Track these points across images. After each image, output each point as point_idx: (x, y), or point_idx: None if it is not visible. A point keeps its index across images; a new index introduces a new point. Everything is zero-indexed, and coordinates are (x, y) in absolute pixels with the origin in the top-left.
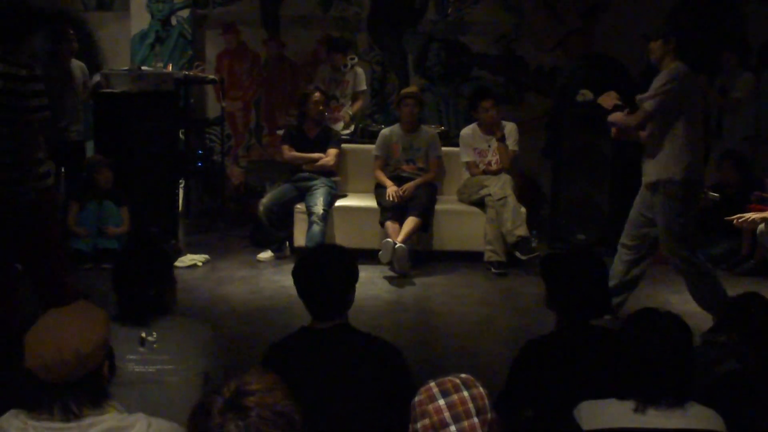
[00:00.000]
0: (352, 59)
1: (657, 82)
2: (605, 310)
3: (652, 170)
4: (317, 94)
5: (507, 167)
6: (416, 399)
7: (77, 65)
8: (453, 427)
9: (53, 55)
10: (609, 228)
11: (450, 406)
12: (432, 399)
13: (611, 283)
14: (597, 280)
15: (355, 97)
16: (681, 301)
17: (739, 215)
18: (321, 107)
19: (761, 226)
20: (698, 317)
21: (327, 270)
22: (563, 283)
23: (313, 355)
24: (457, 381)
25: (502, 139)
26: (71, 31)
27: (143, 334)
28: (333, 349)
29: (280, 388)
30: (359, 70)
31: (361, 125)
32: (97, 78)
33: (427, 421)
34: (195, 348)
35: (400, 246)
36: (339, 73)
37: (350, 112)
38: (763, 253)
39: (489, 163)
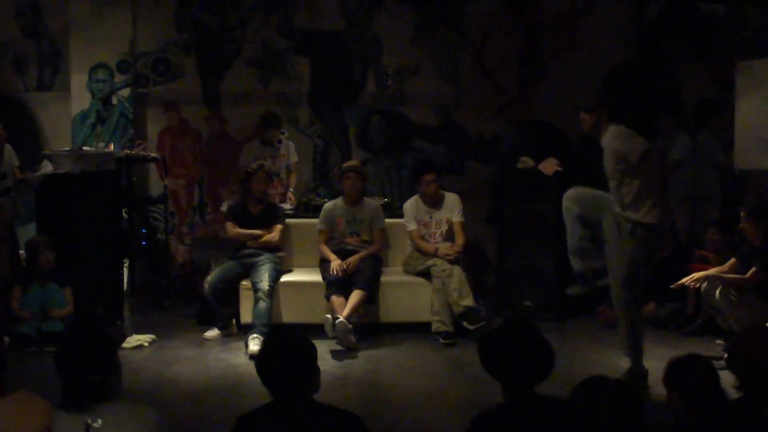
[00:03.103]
0: (283, 133)
1: (608, 144)
2: (547, 374)
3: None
4: (261, 173)
5: (463, 241)
6: None
7: (5, 149)
8: None
9: None
10: (555, 293)
11: None
12: None
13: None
14: (531, 348)
15: (289, 170)
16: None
17: (683, 279)
18: (264, 185)
19: (704, 285)
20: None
21: (288, 354)
22: (499, 358)
23: (280, 427)
24: None
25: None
26: None
27: (89, 421)
28: (299, 421)
29: None
30: (289, 142)
31: (304, 200)
32: (48, 168)
33: None
34: None
35: (340, 321)
36: (274, 149)
37: (291, 189)
38: (708, 312)
39: (433, 236)
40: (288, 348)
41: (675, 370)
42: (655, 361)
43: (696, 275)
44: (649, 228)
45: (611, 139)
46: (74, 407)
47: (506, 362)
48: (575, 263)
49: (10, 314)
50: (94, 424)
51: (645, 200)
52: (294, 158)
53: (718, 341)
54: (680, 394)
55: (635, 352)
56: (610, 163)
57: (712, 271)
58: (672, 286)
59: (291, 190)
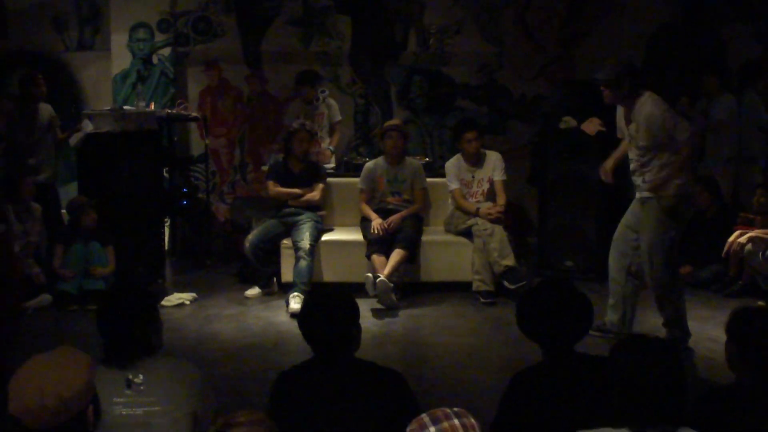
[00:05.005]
0: (323, 92)
1: (648, 114)
2: (584, 333)
3: (647, 187)
4: (302, 133)
5: (505, 200)
6: (408, 429)
7: (44, 108)
8: None
9: (22, 99)
10: (596, 254)
11: None
12: (423, 427)
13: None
14: (568, 306)
15: (332, 129)
16: None
17: (727, 247)
18: (306, 144)
19: (748, 246)
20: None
21: (332, 310)
22: (537, 318)
23: (322, 383)
24: (448, 410)
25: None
26: (39, 76)
27: (130, 376)
28: (341, 377)
29: (264, 425)
30: (332, 101)
31: (345, 158)
32: (88, 127)
33: None
34: (183, 388)
35: (381, 280)
36: (312, 107)
37: (331, 148)
38: (751, 274)
39: (474, 194)
40: (332, 304)
41: (739, 319)
42: (696, 322)
43: (737, 239)
44: (678, 199)
45: (653, 110)
46: (116, 363)
47: (544, 322)
48: None
49: (52, 273)
50: (135, 380)
51: (671, 171)
52: (337, 117)
53: (760, 303)
54: (737, 345)
55: (682, 321)
56: (645, 134)
57: (757, 232)
58: (724, 255)
59: (331, 148)
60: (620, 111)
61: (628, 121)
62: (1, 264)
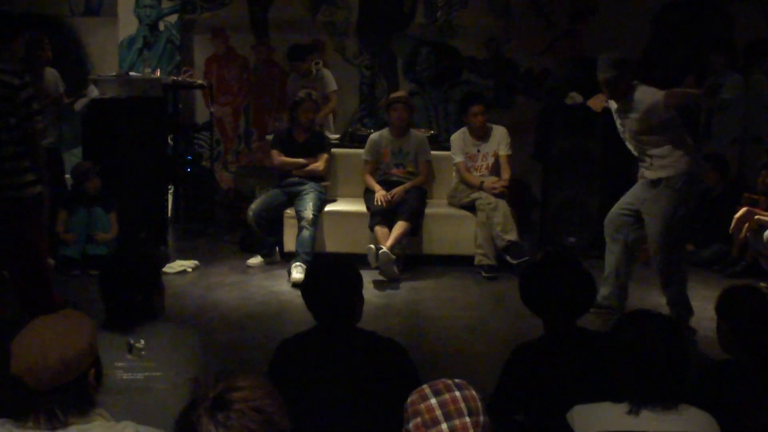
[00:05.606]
0: (317, 63)
1: (641, 102)
2: (587, 309)
3: (659, 169)
4: (308, 102)
5: (509, 175)
6: (408, 400)
7: (50, 72)
8: (444, 425)
9: (27, 63)
10: (600, 230)
11: (441, 405)
12: (424, 398)
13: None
14: (571, 280)
15: (327, 99)
16: None
17: (734, 224)
18: (311, 114)
19: (753, 227)
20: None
21: (334, 281)
22: (540, 292)
23: (323, 352)
24: (449, 382)
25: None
26: (46, 40)
27: (131, 341)
28: (342, 347)
29: (265, 389)
30: (326, 71)
31: (349, 130)
32: (94, 93)
33: (419, 419)
34: (183, 354)
35: (383, 252)
36: (307, 80)
37: (320, 115)
38: (754, 255)
39: (479, 169)
40: (336, 273)
41: (728, 298)
42: (699, 302)
43: (748, 214)
44: (687, 178)
45: (643, 97)
46: (117, 328)
47: (547, 295)
48: None
49: (55, 238)
50: (137, 344)
51: (676, 151)
52: (331, 87)
53: (762, 284)
54: (730, 324)
55: (685, 300)
56: (640, 122)
57: (763, 213)
58: (731, 230)
59: (320, 115)
60: (614, 108)
61: (621, 113)
62: (32, 228)
